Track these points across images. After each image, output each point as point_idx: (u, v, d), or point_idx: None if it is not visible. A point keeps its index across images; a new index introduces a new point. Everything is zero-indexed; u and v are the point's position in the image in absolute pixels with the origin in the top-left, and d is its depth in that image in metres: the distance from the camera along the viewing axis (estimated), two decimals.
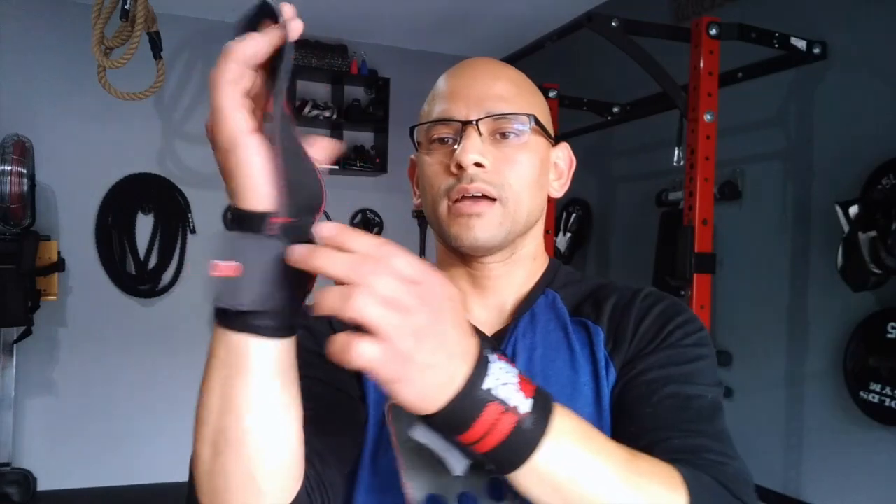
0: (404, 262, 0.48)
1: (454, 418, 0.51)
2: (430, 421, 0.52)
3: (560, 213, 3.49)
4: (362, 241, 0.48)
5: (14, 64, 3.56)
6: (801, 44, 2.23)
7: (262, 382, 0.55)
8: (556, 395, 0.71)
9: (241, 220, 0.51)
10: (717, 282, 2.23)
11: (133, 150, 3.80)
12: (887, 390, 1.98)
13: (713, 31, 2.03)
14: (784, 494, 2.31)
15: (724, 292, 2.54)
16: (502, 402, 0.52)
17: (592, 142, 3.33)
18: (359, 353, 0.47)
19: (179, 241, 3.90)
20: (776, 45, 2.22)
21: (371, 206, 4.20)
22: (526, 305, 0.81)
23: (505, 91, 0.78)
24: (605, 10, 2.94)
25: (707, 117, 2.02)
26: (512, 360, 0.75)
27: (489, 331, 0.82)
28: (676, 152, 2.35)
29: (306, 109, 4.00)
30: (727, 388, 2.54)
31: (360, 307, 0.46)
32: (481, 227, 0.75)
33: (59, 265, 3.49)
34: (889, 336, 2.00)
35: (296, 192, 0.50)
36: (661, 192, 2.88)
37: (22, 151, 3.28)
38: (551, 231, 3.04)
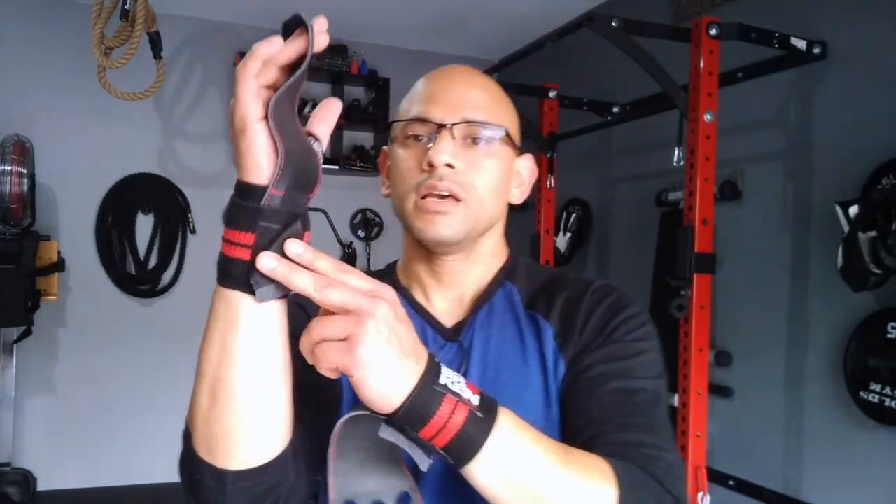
0: (360, 279, 0.58)
1: (415, 411, 0.58)
2: (394, 419, 0.59)
3: (560, 213, 3.49)
4: (323, 262, 0.59)
5: (14, 64, 3.56)
6: (801, 44, 2.23)
7: (256, 337, 0.62)
8: (507, 384, 0.81)
9: (243, 191, 0.59)
10: (717, 282, 2.23)
11: (133, 150, 3.80)
12: (887, 390, 1.98)
13: (713, 31, 2.03)
14: (784, 494, 2.31)
15: (724, 292, 2.54)
16: (457, 394, 0.59)
17: (592, 142, 3.33)
18: (330, 358, 0.57)
19: (179, 241, 3.90)
20: (776, 45, 2.22)
21: (371, 206, 4.20)
22: (485, 297, 0.87)
23: (481, 99, 0.84)
24: (605, 10, 2.94)
25: (707, 117, 2.02)
26: (469, 350, 0.84)
27: (449, 321, 0.87)
28: (676, 152, 2.35)
29: (306, 109, 4.00)
30: (727, 388, 2.54)
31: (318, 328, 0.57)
32: (445, 223, 0.81)
33: (59, 265, 3.49)
34: (889, 336, 2.00)
35: (293, 171, 0.59)
36: (661, 192, 2.88)
37: (22, 151, 3.28)
38: (551, 231, 3.04)
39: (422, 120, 0.83)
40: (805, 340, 2.32)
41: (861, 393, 2.05)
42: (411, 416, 0.58)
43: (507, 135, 0.85)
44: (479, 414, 0.59)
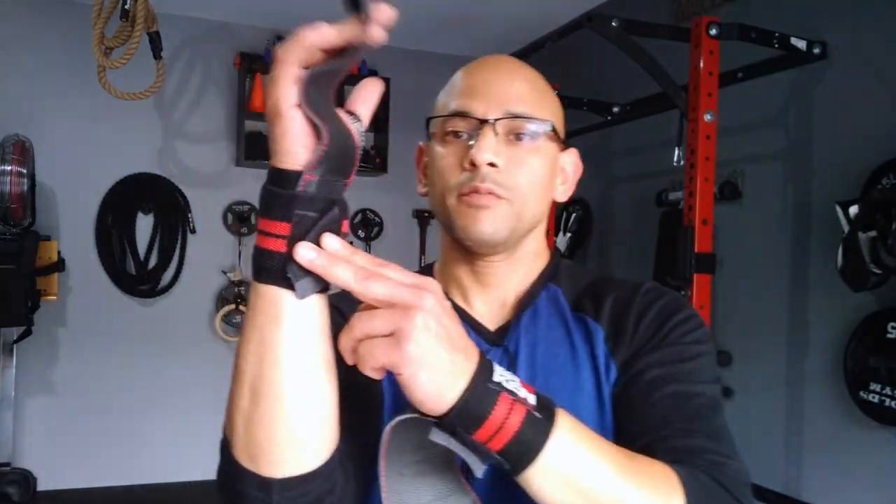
0: (400, 272, 0.56)
1: (469, 412, 0.54)
2: (446, 421, 0.55)
3: (560, 213, 3.49)
4: (361, 257, 0.56)
5: (14, 64, 3.55)
6: (801, 44, 2.23)
7: (299, 334, 0.57)
8: (558, 389, 0.75)
9: (277, 178, 0.56)
10: (717, 282, 2.22)
11: (133, 150, 3.80)
12: (887, 390, 1.98)
13: (713, 31, 2.03)
14: (784, 494, 2.31)
15: (724, 292, 2.54)
16: (512, 393, 0.55)
17: (592, 142, 3.33)
18: (376, 355, 0.53)
19: (179, 241, 3.90)
20: (776, 45, 2.22)
21: (371, 206, 4.20)
22: (528, 300, 0.83)
23: (525, 93, 0.79)
24: (605, 10, 2.94)
25: (707, 117, 2.02)
26: (515, 354, 0.79)
27: (492, 325, 0.83)
28: (676, 152, 2.35)
29: None
30: (727, 388, 2.54)
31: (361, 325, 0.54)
32: (489, 220, 0.76)
33: (59, 265, 3.48)
34: (889, 336, 2.00)
35: (330, 155, 0.55)
36: (661, 192, 2.88)
37: (22, 151, 3.28)
38: (551, 231, 3.04)
39: (462, 115, 0.78)
40: (805, 340, 2.31)
41: (861, 393, 2.05)
42: (465, 417, 0.54)
43: (553, 130, 0.80)
44: (537, 415, 0.55)
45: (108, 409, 3.73)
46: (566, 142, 0.85)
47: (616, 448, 0.61)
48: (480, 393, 0.54)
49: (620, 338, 0.77)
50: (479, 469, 0.56)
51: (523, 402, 0.55)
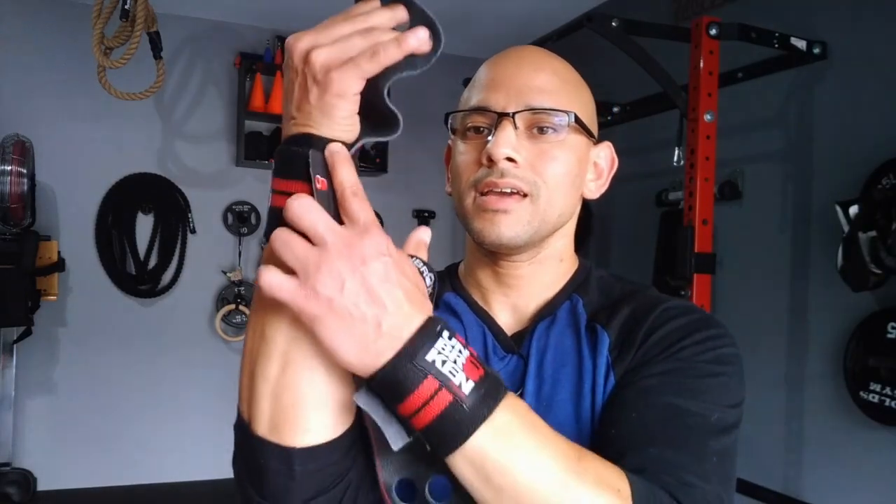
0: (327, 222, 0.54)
1: (391, 383, 0.52)
2: (370, 384, 0.53)
3: None
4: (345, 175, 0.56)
5: (14, 64, 3.55)
6: (801, 44, 2.23)
7: None
8: (563, 400, 0.71)
9: (301, 140, 0.56)
10: (717, 282, 2.23)
11: (133, 150, 3.80)
12: (887, 390, 1.98)
13: (713, 31, 2.03)
14: (784, 494, 2.31)
15: (724, 292, 2.54)
16: (442, 377, 0.52)
17: None
18: (270, 282, 0.52)
19: (179, 241, 3.90)
20: (776, 45, 2.22)
21: (371, 206, 4.19)
22: (548, 310, 0.79)
23: (547, 84, 0.75)
24: (605, 10, 2.94)
25: (707, 117, 2.02)
26: (525, 363, 0.75)
27: (509, 331, 0.79)
28: (676, 152, 2.35)
29: None
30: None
31: (281, 241, 0.53)
32: (507, 224, 0.73)
33: (59, 265, 3.48)
34: (889, 336, 2.00)
35: (371, 128, 0.57)
36: (661, 192, 2.88)
37: (22, 151, 3.27)
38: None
39: (481, 109, 0.75)
40: (805, 340, 2.31)
41: (861, 393, 2.05)
42: (386, 387, 0.52)
43: (578, 121, 0.75)
44: (466, 403, 0.52)
45: (108, 409, 3.73)
46: (598, 135, 0.81)
47: (567, 446, 0.57)
48: (407, 369, 0.52)
49: (626, 349, 0.72)
50: (396, 443, 0.54)
51: (452, 389, 0.52)
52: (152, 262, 3.85)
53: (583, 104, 0.78)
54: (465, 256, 0.85)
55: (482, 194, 0.74)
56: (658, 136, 2.82)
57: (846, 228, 2.03)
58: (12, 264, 3.23)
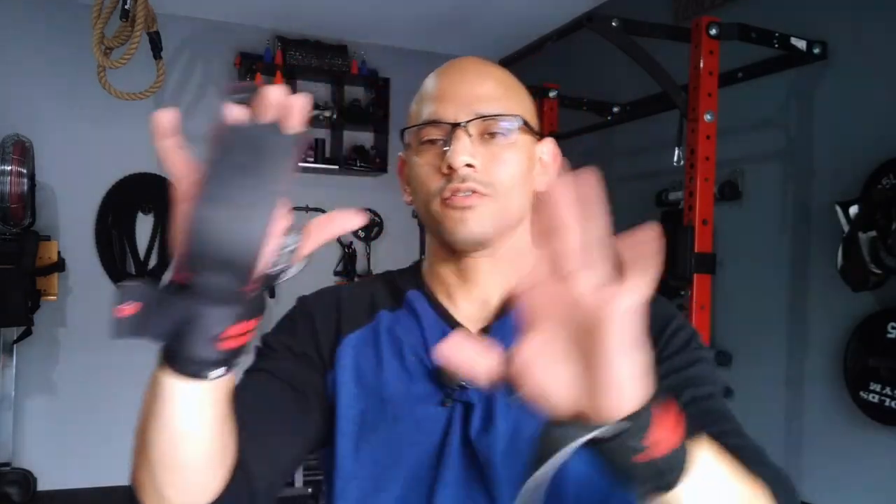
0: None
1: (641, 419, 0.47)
2: (614, 428, 0.47)
3: None
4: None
5: (14, 64, 3.55)
6: (801, 44, 2.23)
7: (182, 412, 0.61)
8: None
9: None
10: (717, 282, 2.22)
11: (133, 150, 3.77)
12: (887, 390, 1.98)
13: (713, 31, 2.03)
14: None
15: (724, 292, 2.54)
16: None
17: (592, 142, 3.33)
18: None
19: None
20: (776, 45, 2.22)
21: (371, 206, 4.19)
22: (511, 302, 0.81)
23: (493, 91, 0.81)
24: (605, 10, 2.95)
25: (707, 117, 2.02)
26: None
27: (474, 326, 0.83)
28: (676, 152, 2.35)
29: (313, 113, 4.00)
30: (727, 388, 2.54)
31: None
32: (475, 219, 0.78)
33: (59, 265, 3.48)
34: (889, 336, 2.00)
35: (206, 250, 0.52)
36: (661, 192, 2.88)
37: (22, 151, 3.28)
38: None
39: (434, 122, 0.80)
40: (805, 340, 2.31)
41: (861, 393, 2.05)
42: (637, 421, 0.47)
43: (525, 123, 0.82)
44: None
45: (108, 409, 3.72)
46: (552, 134, 0.86)
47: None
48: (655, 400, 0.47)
49: None
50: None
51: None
52: (152, 262, 3.85)
53: (525, 107, 0.84)
54: (427, 257, 0.89)
55: (445, 199, 0.78)
56: (658, 136, 2.82)
57: (846, 228, 2.03)
58: (12, 264, 3.23)
